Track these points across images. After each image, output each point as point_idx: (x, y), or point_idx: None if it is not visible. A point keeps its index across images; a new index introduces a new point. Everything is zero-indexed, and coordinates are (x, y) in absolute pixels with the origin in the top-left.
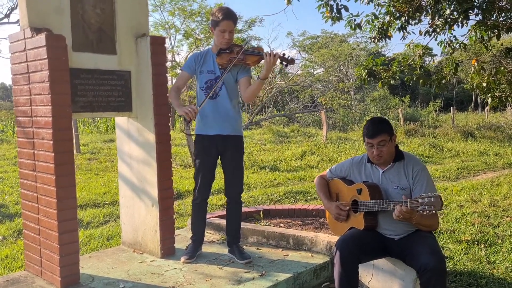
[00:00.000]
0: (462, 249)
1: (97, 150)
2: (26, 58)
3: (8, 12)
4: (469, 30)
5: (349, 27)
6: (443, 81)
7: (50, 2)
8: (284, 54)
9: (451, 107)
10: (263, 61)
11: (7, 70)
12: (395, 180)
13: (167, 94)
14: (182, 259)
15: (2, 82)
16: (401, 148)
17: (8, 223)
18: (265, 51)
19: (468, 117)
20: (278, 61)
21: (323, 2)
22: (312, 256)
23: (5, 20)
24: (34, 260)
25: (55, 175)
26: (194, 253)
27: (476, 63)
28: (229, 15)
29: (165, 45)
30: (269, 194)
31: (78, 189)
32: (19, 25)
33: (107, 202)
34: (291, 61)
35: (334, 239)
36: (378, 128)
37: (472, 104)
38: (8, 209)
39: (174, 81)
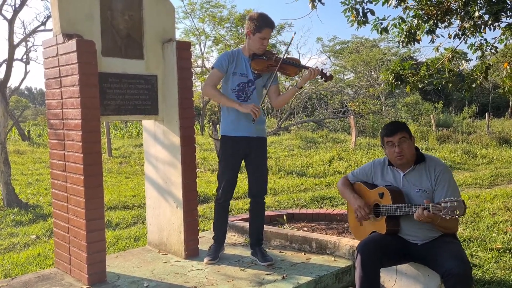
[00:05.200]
0: (492, 257)
1: (128, 154)
2: (58, 63)
3: (45, 20)
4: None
5: (375, 31)
6: (474, 85)
7: (81, 9)
8: (322, 70)
9: (486, 113)
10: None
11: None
12: (416, 183)
13: (192, 98)
14: (205, 260)
15: (40, 88)
16: (432, 154)
17: (41, 222)
18: (300, 61)
19: (504, 123)
20: (318, 76)
21: (348, 6)
22: (334, 260)
23: (42, 27)
24: (64, 258)
25: (83, 175)
26: (217, 254)
27: (508, 67)
28: (271, 24)
29: (191, 49)
30: (295, 199)
31: (108, 191)
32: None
33: (135, 205)
34: (329, 78)
35: (357, 243)
36: (397, 126)
37: (510, 110)
38: (42, 209)
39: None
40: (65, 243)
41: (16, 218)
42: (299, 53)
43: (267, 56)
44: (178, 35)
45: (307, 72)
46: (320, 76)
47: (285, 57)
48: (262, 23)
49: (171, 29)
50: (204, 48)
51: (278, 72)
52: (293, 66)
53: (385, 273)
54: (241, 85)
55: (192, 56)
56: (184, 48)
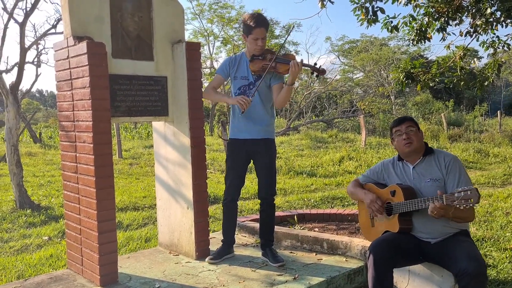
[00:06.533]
0: (506, 257)
1: (138, 156)
2: (69, 65)
3: (55, 23)
4: None
5: (386, 29)
6: (486, 83)
7: (91, 11)
8: (315, 64)
9: (498, 111)
10: None
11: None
12: (426, 173)
13: (202, 98)
14: (207, 259)
15: (51, 91)
16: None
17: (54, 224)
18: (296, 58)
19: None
20: (309, 71)
21: (358, 5)
22: (346, 260)
23: (52, 30)
24: (76, 259)
25: (95, 176)
26: (220, 254)
27: None
28: (261, 22)
29: (200, 50)
30: (305, 199)
31: (119, 193)
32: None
33: (146, 206)
34: (322, 72)
35: (369, 243)
36: (405, 117)
37: None
38: (54, 211)
39: None
40: (77, 244)
41: (29, 219)
42: (308, 53)
43: (263, 55)
44: (187, 36)
45: (290, 69)
46: (311, 72)
47: (277, 55)
48: (252, 24)
49: (181, 30)
50: (213, 48)
51: (274, 72)
52: (283, 63)
53: (398, 274)
54: (242, 88)
55: (201, 57)
56: (193, 49)
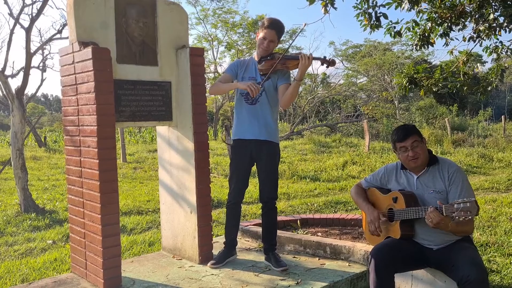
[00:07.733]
0: (510, 263)
1: (142, 160)
2: (74, 70)
3: (61, 28)
4: None
5: (389, 34)
6: (489, 88)
7: (97, 17)
8: (325, 57)
9: (503, 116)
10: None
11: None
12: (430, 184)
13: (206, 103)
14: (209, 264)
15: (56, 95)
16: (447, 158)
17: (58, 228)
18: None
19: None
20: (319, 63)
21: (361, 11)
22: (349, 265)
23: (58, 36)
24: (80, 263)
25: (99, 181)
26: (222, 259)
27: None
28: (273, 25)
29: (204, 55)
30: (309, 203)
31: (123, 197)
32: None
33: (150, 210)
34: (332, 63)
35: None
36: (408, 130)
37: None
38: (59, 215)
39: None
40: (81, 248)
41: (33, 223)
42: None
43: (271, 56)
44: (191, 41)
45: (300, 61)
46: (321, 63)
47: (285, 53)
48: (265, 23)
49: (185, 36)
50: (217, 53)
51: (283, 69)
52: (293, 59)
53: (400, 279)
54: None
55: (205, 62)
56: (197, 55)
